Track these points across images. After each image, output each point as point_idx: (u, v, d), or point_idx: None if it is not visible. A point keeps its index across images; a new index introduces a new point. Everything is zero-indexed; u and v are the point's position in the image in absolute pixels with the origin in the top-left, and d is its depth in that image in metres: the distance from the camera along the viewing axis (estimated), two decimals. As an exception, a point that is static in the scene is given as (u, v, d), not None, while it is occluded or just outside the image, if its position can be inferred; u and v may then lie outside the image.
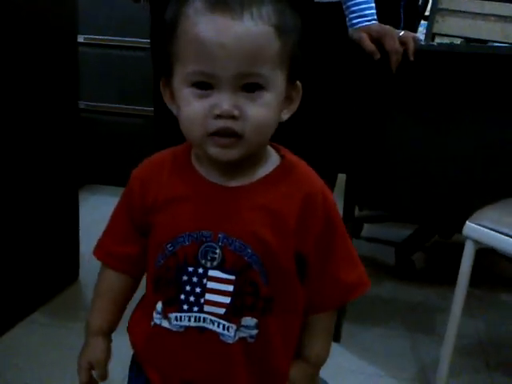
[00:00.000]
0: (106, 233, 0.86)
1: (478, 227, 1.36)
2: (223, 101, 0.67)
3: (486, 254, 1.65)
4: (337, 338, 1.78)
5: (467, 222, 1.39)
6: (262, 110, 0.69)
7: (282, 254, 0.74)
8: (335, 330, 1.74)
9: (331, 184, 1.81)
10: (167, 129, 1.36)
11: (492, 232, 1.34)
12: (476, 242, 1.37)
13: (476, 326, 1.93)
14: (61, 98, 1.90)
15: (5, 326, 1.71)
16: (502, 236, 1.33)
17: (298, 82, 0.76)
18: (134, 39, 2.87)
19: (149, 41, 1.54)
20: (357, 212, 2.84)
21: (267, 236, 0.73)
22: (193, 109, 0.69)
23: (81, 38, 2.73)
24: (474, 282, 2.28)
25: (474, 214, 1.41)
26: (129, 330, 0.84)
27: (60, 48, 1.87)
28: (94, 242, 0.87)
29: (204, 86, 0.68)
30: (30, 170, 1.77)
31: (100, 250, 0.85)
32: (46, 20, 1.78)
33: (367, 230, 2.81)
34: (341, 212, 1.70)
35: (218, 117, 0.67)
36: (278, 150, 0.80)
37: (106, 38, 2.94)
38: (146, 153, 0.85)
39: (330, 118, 1.66)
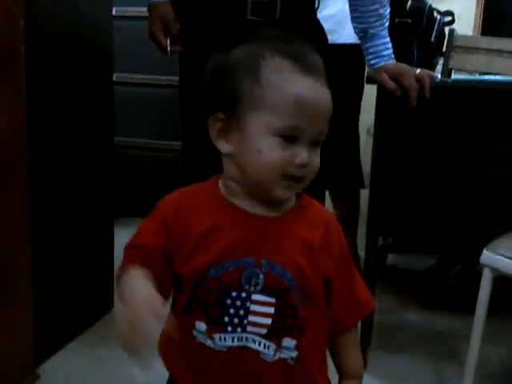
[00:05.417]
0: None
1: (494, 255, 1.42)
2: (303, 152, 0.79)
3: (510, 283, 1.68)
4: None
5: (484, 250, 1.44)
6: (318, 159, 0.82)
7: (314, 279, 0.83)
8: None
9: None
10: (195, 161, 1.47)
11: (508, 260, 1.40)
12: (493, 269, 1.43)
13: (500, 355, 1.95)
14: (98, 135, 2.03)
15: (45, 355, 1.80)
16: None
17: None
18: (163, 77, 2.99)
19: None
20: (380, 241, 2.89)
21: (302, 262, 0.82)
22: (276, 156, 0.79)
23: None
24: (498, 310, 2.30)
25: (491, 242, 1.47)
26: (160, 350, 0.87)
27: (97, 87, 2.01)
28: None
29: (290, 138, 0.79)
30: (69, 202, 1.89)
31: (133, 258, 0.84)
32: (84, 60, 1.91)
33: (392, 259, 2.86)
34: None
35: (298, 165, 0.79)
36: None
37: (137, 76, 3.09)
38: (176, 185, 0.92)
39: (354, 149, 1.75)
